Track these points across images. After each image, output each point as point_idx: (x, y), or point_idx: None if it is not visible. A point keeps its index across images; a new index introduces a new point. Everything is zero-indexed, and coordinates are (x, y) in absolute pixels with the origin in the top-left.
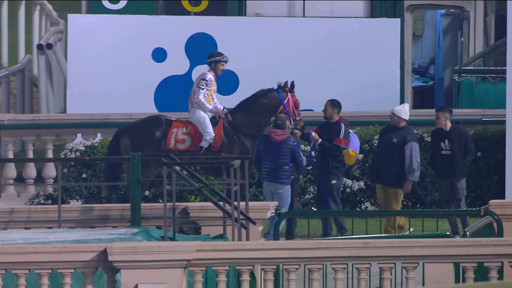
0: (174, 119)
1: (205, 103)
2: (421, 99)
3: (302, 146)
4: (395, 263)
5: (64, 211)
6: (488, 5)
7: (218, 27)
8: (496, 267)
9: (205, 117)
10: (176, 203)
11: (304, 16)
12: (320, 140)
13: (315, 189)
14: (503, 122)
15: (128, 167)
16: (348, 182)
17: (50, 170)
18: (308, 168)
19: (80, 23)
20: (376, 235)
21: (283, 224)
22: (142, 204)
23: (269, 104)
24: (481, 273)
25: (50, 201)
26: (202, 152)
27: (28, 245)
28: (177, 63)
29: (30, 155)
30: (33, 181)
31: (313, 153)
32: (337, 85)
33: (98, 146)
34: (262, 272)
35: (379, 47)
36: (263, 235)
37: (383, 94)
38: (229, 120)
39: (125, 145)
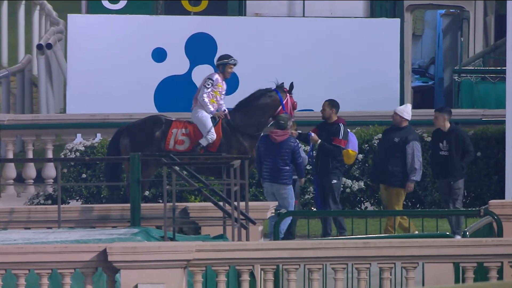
0: (174, 119)
1: (208, 104)
2: (421, 99)
3: (302, 147)
4: (395, 263)
5: (64, 211)
6: (488, 5)
7: (218, 27)
8: (496, 267)
9: (207, 117)
10: (176, 203)
11: (304, 16)
12: (320, 140)
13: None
14: (503, 122)
15: (128, 167)
16: (348, 182)
17: (50, 170)
18: (308, 168)
19: (80, 23)
20: (376, 235)
21: (288, 223)
22: (142, 204)
23: (268, 104)
24: (481, 273)
25: (50, 201)
26: (199, 149)
27: (28, 245)
28: (177, 63)
29: (30, 155)
30: (33, 181)
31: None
32: (337, 85)
33: (98, 146)
34: (262, 272)
35: (379, 47)
36: (263, 235)
37: (383, 94)
38: (227, 120)
39: (125, 145)
